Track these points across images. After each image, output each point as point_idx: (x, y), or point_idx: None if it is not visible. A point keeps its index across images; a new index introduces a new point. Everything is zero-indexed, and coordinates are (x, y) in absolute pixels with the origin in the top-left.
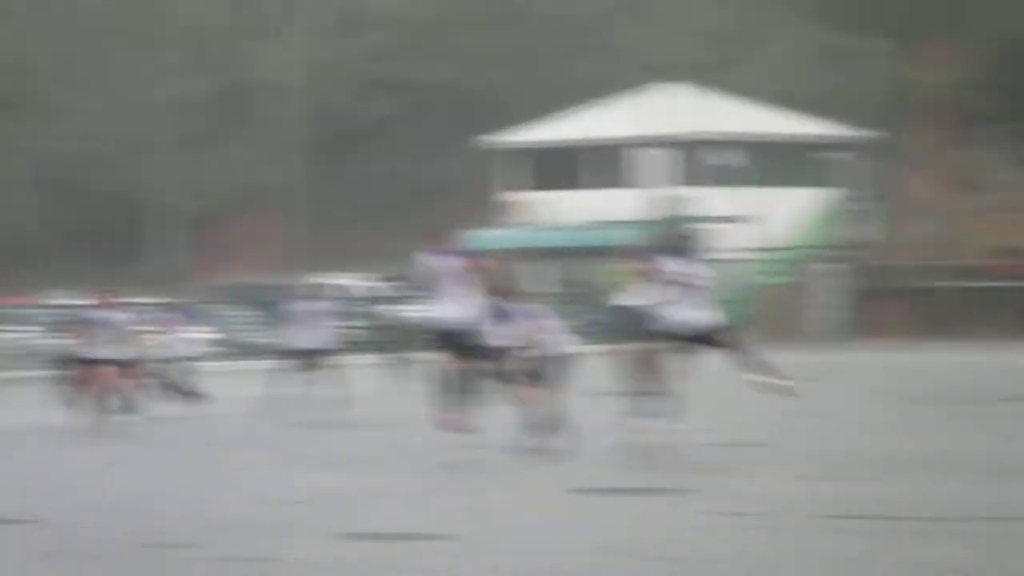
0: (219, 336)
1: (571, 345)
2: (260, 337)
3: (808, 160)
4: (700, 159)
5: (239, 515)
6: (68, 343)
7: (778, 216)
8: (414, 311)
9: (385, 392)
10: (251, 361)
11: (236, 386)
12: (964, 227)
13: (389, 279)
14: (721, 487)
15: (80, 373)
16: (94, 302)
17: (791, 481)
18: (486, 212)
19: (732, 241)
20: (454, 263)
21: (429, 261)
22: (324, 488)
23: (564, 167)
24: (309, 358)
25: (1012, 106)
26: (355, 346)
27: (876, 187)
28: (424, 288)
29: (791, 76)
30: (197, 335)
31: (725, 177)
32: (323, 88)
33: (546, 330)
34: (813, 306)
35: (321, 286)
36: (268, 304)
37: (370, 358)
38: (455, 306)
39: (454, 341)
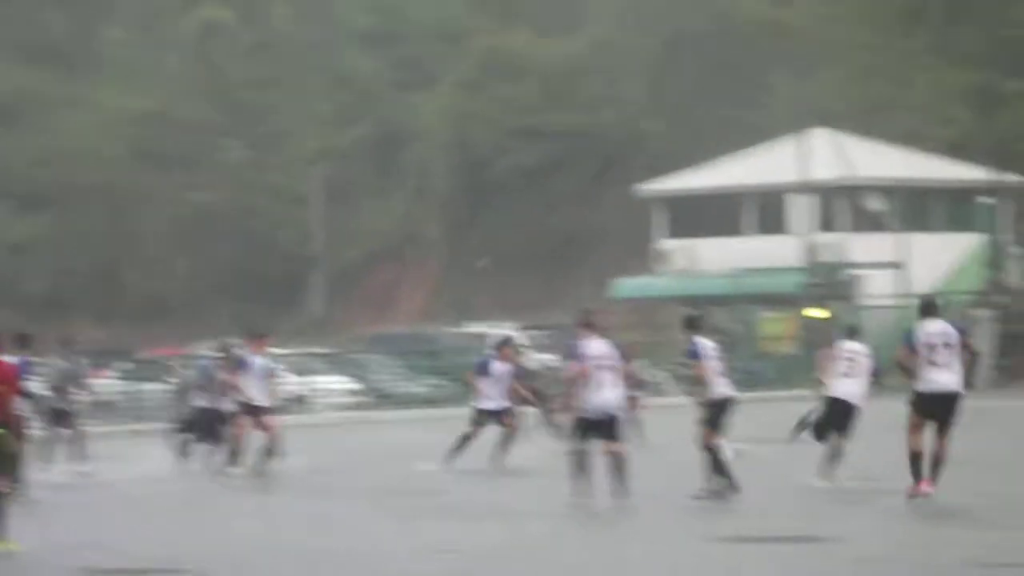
0: (363, 386)
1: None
2: (405, 386)
3: (957, 205)
4: (850, 204)
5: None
6: (201, 395)
7: (925, 261)
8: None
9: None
10: (395, 411)
11: (378, 434)
12: None
13: (531, 328)
14: (869, 534)
15: (241, 421)
16: (250, 347)
17: (938, 527)
18: (637, 260)
19: (883, 287)
20: (605, 350)
21: (586, 348)
22: (474, 539)
23: (716, 213)
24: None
25: None
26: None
27: (1022, 231)
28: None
29: (942, 120)
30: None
31: (874, 223)
32: (469, 137)
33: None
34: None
35: (483, 336)
36: (416, 353)
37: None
38: (612, 393)
39: (606, 428)
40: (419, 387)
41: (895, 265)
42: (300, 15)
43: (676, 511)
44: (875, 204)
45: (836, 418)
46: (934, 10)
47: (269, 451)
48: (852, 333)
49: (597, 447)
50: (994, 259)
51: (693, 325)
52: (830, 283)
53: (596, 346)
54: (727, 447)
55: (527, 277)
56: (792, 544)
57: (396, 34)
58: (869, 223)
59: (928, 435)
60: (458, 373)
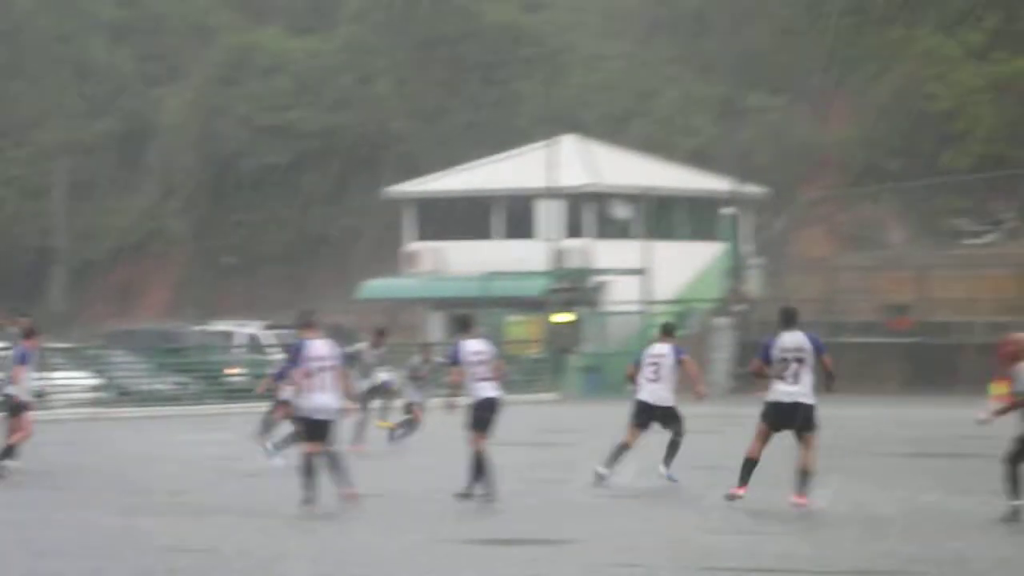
0: (104, 382)
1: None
2: (147, 383)
3: (699, 214)
4: (596, 211)
5: None
6: None
7: (669, 269)
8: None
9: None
10: (137, 408)
11: (116, 431)
12: (852, 283)
13: (276, 327)
14: (609, 537)
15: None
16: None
17: (687, 532)
18: (387, 261)
19: (628, 293)
20: (326, 351)
21: (307, 350)
22: (200, 537)
23: (466, 217)
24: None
25: (902, 164)
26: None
27: (764, 241)
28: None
29: (686, 130)
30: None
31: (620, 229)
32: (217, 133)
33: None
34: (704, 360)
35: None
36: (159, 350)
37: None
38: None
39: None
40: (162, 384)
41: (639, 272)
42: (44, 4)
43: (425, 511)
44: (621, 211)
45: (640, 419)
46: (680, 22)
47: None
48: (666, 333)
49: (321, 447)
50: (734, 268)
51: (463, 327)
52: (576, 288)
53: (317, 347)
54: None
55: (275, 275)
56: (528, 547)
57: (143, 27)
58: (615, 230)
59: (797, 448)
60: (203, 370)
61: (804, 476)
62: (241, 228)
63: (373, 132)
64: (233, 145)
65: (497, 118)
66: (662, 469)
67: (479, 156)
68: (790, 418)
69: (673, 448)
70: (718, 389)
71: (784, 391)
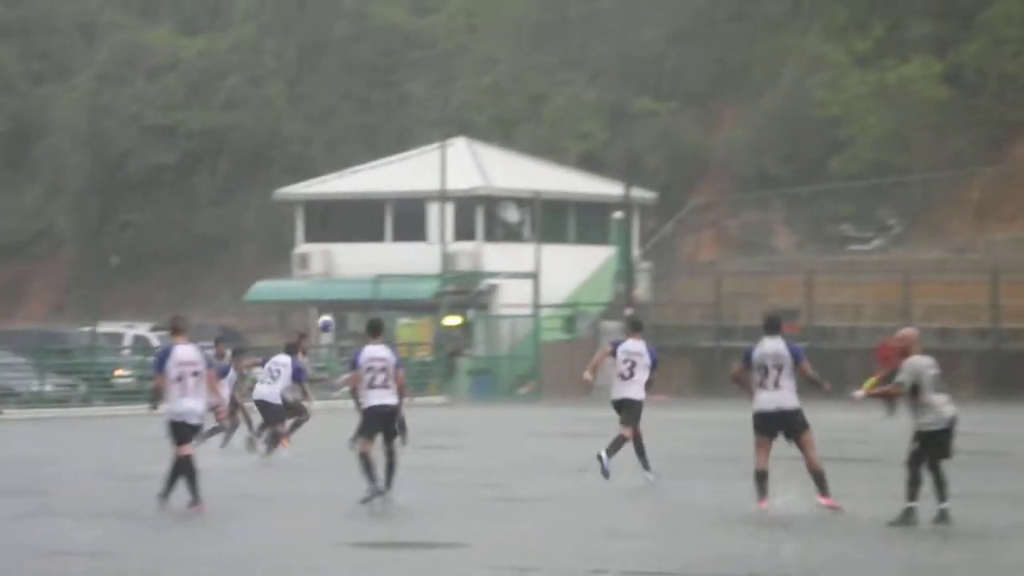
0: None
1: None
2: (32, 385)
3: (589, 218)
4: (486, 214)
5: None
6: None
7: (559, 273)
8: None
9: None
10: (20, 410)
11: None
12: (739, 287)
13: (162, 329)
14: (505, 540)
15: None
16: None
17: (571, 536)
18: (277, 263)
19: (518, 297)
20: (192, 356)
21: (173, 354)
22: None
23: (357, 219)
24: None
25: (790, 170)
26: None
27: (654, 246)
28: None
29: (576, 134)
30: None
31: (510, 233)
32: (106, 133)
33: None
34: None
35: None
36: (43, 351)
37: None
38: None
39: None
40: (47, 386)
41: (529, 275)
42: None
43: (316, 515)
44: (511, 215)
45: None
46: (570, 26)
47: None
48: (634, 328)
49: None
50: (624, 272)
51: (371, 331)
52: (466, 291)
53: (182, 352)
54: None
55: (164, 277)
56: (418, 551)
57: (30, 25)
58: (505, 233)
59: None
60: (91, 372)
61: (819, 477)
62: (130, 228)
63: (263, 133)
64: (122, 144)
65: (388, 120)
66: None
67: (370, 158)
68: (777, 424)
69: (619, 443)
70: (607, 393)
71: (766, 399)
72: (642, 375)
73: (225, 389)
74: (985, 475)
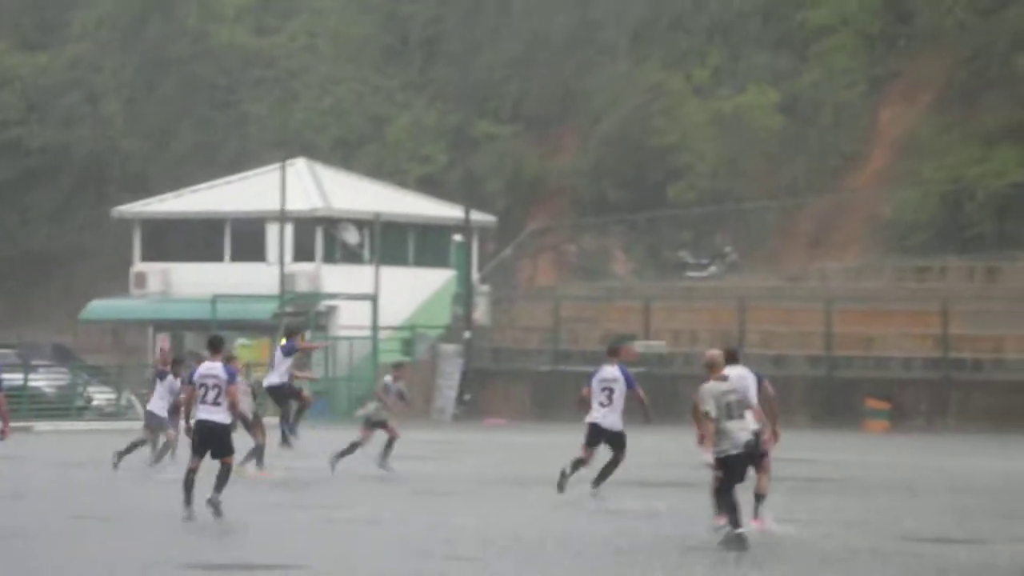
0: None
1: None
2: None
3: (430, 241)
4: (327, 236)
5: None
6: None
7: (398, 295)
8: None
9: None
10: None
11: None
12: (578, 312)
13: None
14: (333, 564)
15: None
16: None
17: (405, 560)
18: (115, 281)
19: (355, 319)
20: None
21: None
22: None
23: (195, 238)
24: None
25: (628, 195)
26: None
27: (494, 270)
28: None
29: (417, 157)
30: None
31: (350, 254)
32: None
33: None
34: (432, 386)
35: None
36: None
37: None
38: None
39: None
40: None
41: (369, 297)
42: None
43: (148, 534)
44: (351, 236)
45: (592, 440)
46: (412, 49)
47: None
48: (613, 353)
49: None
50: (463, 296)
51: (211, 348)
52: (305, 312)
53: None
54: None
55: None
56: (253, 571)
57: None
58: (345, 255)
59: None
60: None
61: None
62: None
63: (102, 151)
64: None
65: (228, 140)
66: (591, 488)
67: (210, 178)
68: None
69: (609, 469)
70: (445, 416)
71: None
72: (620, 402)
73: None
74: (815, 500)
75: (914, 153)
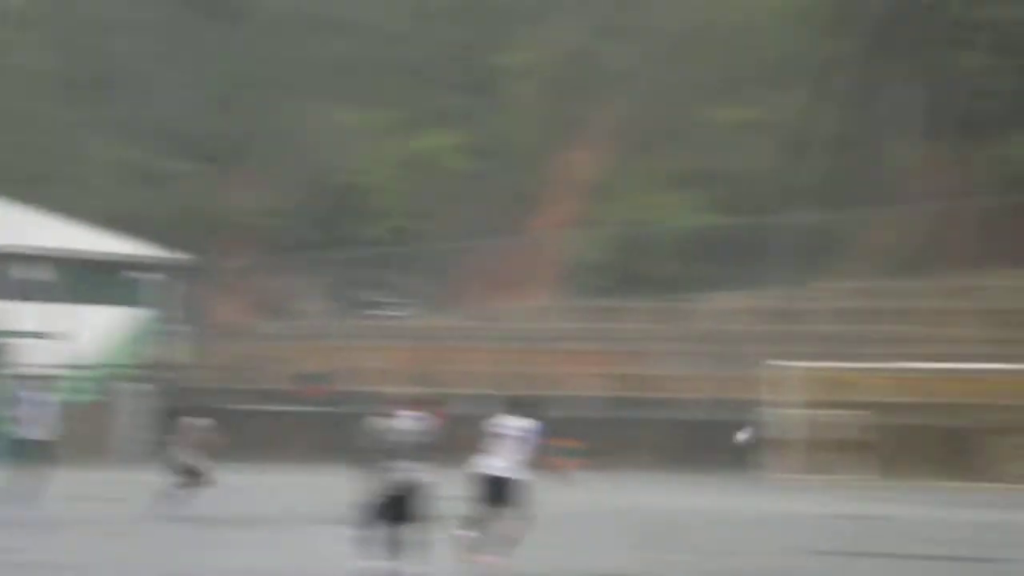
0: None
1: None
2: None
3: (118, 279)
4: (7, 273)
5: None
6: None
7: (87, 333)
8: None
9: None
10: None
11: None
12: (269, 351)
13: None
14: None
15: None
16: None
17: None
18: None
19: (39, 357)
20: None
21: None
22: None
23: None
24: None
25: (318, 235)
26: None
27: (185, 308)
28: None
29: (106, 195)
30: None
31: (33, 292)
32: None
33: None
34: (119, 425)
35: None
36: None
37: None
38: None
39: None
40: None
41: (53, 335)
42: None
43: None
44: (36, 273)
45: (487, 494)
46: (100, 85)
47: None
48: (512, 407)
49: None
50: (149, 334)
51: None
52: None
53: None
54: None
55: None
56: None
57: None
58: (30, 292)
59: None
60: None
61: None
62: None
63: None
64: None
65: None
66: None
67: None
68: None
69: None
70: (124, 455)
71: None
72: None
73: None
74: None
75: (597, 196)
